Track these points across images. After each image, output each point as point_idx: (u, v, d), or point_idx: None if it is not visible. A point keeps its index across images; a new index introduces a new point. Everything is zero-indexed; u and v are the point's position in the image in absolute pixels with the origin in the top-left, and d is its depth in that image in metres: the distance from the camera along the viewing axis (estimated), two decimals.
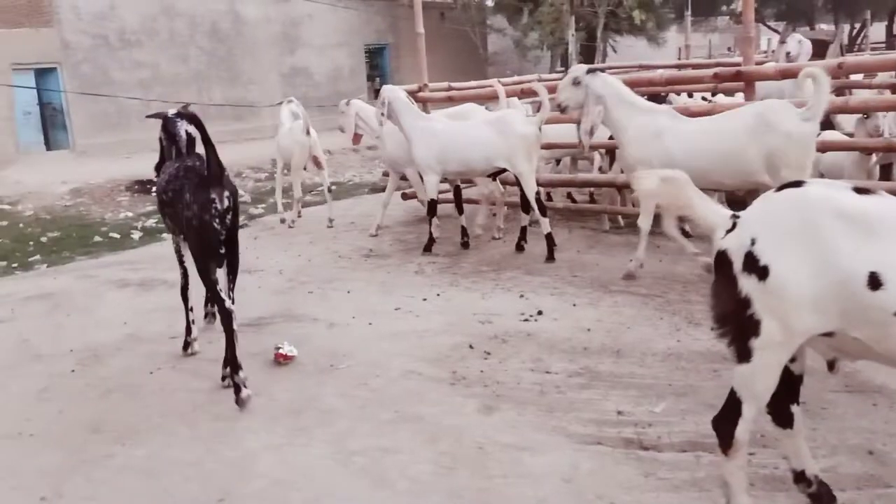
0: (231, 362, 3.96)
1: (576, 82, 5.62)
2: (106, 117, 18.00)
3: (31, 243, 9.08)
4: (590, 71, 5.70)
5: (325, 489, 3.14)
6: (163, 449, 3.55)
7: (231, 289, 4.16)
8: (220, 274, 4.08)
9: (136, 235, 9.35)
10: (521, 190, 6.51)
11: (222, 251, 4.01)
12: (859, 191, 2.38)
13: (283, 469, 3.31)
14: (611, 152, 7.01)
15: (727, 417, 2.57)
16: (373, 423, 3.67)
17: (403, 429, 3.59)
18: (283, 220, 8.76)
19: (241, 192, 11.78)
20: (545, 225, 6.35)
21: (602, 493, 2.99)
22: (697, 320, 4.79)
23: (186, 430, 3.71)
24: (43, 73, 17.92)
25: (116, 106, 17.51)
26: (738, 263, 2.42)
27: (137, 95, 18.01)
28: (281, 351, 4.42)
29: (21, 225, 10.48)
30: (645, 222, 5.61)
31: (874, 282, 2.22)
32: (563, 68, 11.13)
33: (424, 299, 5.54)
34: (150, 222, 10.12)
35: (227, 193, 4.00)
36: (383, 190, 8.32)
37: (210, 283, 4.02)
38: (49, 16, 17.86)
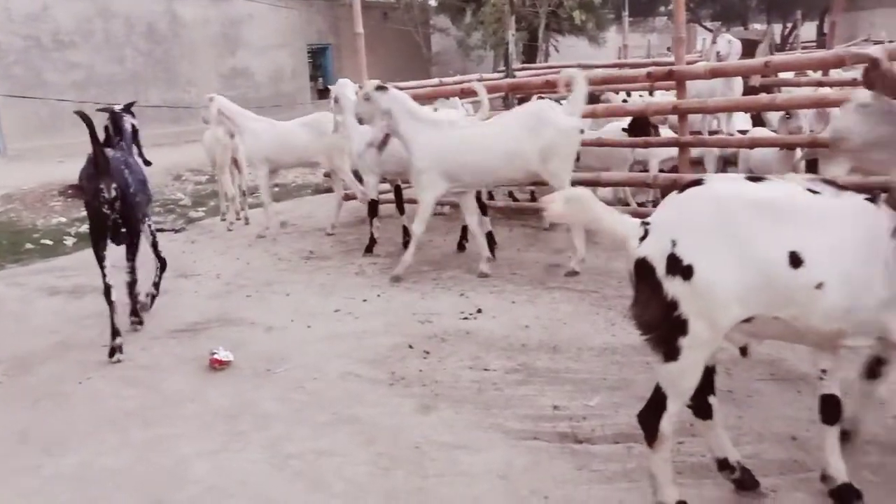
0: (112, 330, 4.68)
1: (366, 98, 5.93)
2: (38, 120, 17.42)
3: None
4: (378, 87, 5.97)
5: (260, 494, 3.10)
6: (93, 457, 3.45)
7: (132, 267, 5.06)
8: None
9: (69, 241, 9.05)
10: None
11: (121, 231, 4.80)
12: (753, 179, 2.51)
13: (218, 475, 3.26)
14: None
15: (653, 412, 2.63)
16: (309, 426, 3.64)
17: (340, 431, 3.57)
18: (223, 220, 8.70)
19: (181, 194, 11.68)
20: (486, 224, 6.39)
21: (536, 489, 3.02)
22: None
23: (117, 438, 3.62)
24: None
25: (49, 108, 16.97)
26: (660, 268, 2.45)
27: (72, 97, 17.48)
28: (216, 356, 4.34)
29: None
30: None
31: (795, 260, 2.34)
32: (503, 69, 11.19)
33: (365, 300, 5.52)
34: (85, 227, 9.82)
35: (114, 185, 4.63)
36: (327, 191, 8.29)
37: (99, 258, 4.78)
38: None
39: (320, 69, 25.25)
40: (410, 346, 4.57)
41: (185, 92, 20.65)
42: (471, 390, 3.97)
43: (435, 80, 9.73)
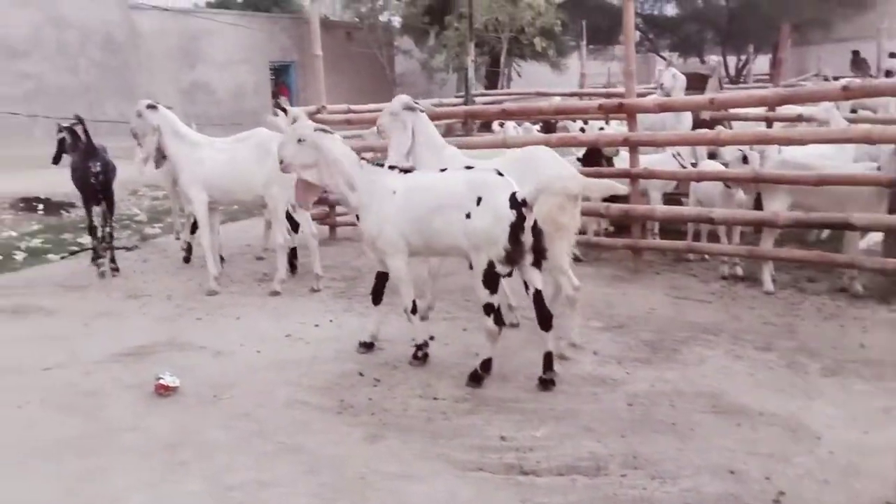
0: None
1: (139, 114, 6.45)
2: None
3: None
4: (149, 106, 6.46)
5: None
6: (20, 491, 3.34)
7: (109, 222, 7.28)
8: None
9: (19, 256, 8.81)
10: None
11: (99, 197, 7.14)
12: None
13: None
14: None
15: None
16: (253, 455, 3.60)
17: (285, 461, 3.53)
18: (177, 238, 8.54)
19: (136, 210, 11.47)
20: (292, 240, 6.77)
21: None
22: (581, 344, 4.95)
23: (49, 469, 3.50)
24: None
25: None
26: None
27: (22, 108, 17.14)
28: (162, 381, 4.26)
29: None
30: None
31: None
32: (462, 93, 11.32)
33: (317, 325, 5.49)
34: (36, 242, 9.58)
35: (99, 164, 7.03)
36: None
37: (88, 212, 7.36)
38: None
39: (285, 86, 25.16)
40: (361, 374, 4.56)
41: None
42: (419, 419, 3.97)
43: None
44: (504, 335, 5.09)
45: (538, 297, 4.38)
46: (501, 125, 10.15)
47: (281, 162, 4.71)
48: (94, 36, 19.84)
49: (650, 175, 6.62)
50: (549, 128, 10.67)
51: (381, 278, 4.87)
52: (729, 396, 4.12)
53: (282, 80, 25.17)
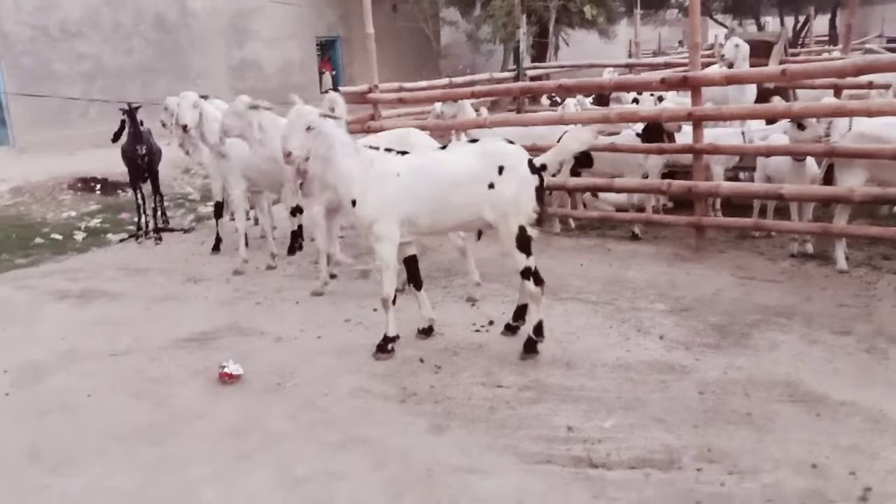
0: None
1: (237, 113, 6.02)
2: (48, 112, 17.36)
3: None
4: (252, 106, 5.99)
5: None
6: (101, 478, 3.41)
7: (157, 200, 8.45)
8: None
9: (79, 236, 9.02)
10: None
11: (145, 176, 8.13)
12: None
13: (227, 499, 3.22)
14: None
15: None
16: (320, 445, 3.59)
17: (351, 452, 3.52)
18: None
19: (190, 188, 11.62)
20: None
21: None
22: (646, 328, 4.83)
23: (126, 458, 3.57)
24: None
25: (59, 100, 16.93)
26: None
27: (80, 88, 17.47)
28: (226, 370, 4.29)
29: None
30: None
31: None
32: (514, 66, 11.06)
33: (375, 310, 5.44)
34: (95, 222, 9.80)
35: (144, 147, 7.92)
36: None
37: (134, 189, 8.23)
38: None
39: (330, 61, 25.12)
40: (421, 360, 4.51)
41: (194, 84, 20.51)
42: (483, 408, 3.91)
43: (444, 80, 9.61)
44: (569, 319, 5.04)
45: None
46: (552, 100, 9.91)
47: (288, 155, 4.28)
48: (147, 16, 20.03)
49: (715, 150, 6.37)
50: (602, 100, 10.40)
51: (411, 262, 4.83)
52: (806, 385, 3.95)
53: (327, 55, 25.14)
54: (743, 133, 6.79)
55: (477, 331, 4.94)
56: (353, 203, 4.40)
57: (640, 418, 3.72)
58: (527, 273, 4.40)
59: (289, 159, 4.29)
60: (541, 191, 4.36)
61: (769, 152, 6.04)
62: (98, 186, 12.11)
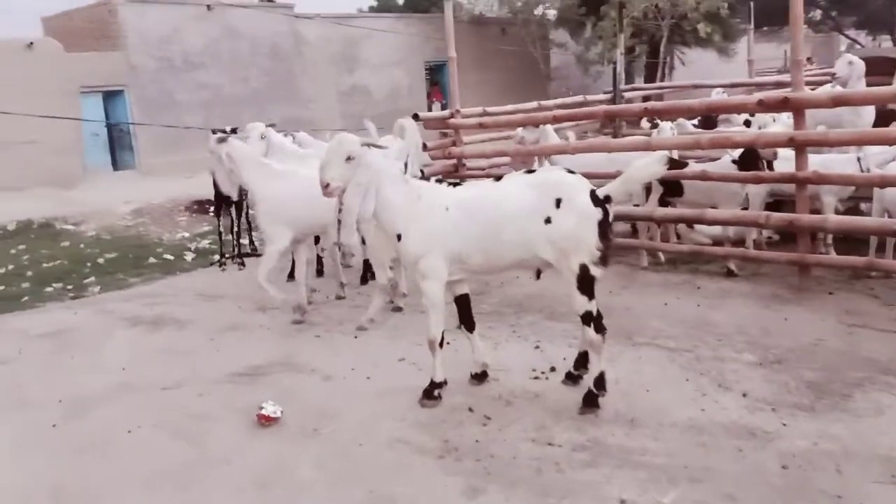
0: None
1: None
2: (169, 137, 18.34)
3: (89, 264, 9.18)
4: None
5: None
6: None
7: (240, 226, 8.54)
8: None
9: (188, 257, 9.38)
10: None
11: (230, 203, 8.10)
12: None
13: None
14: (647, 186, 6.46)
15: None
16: (342, 503, 3.32)
17: None
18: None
19: None
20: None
21: None
22: (728, 383, 4.27)
23: (146, 501, 3.44)
24: (110, 95, 18.50)
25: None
26: None
27: (200, 116, 18.36)
28: (263, 412, 4.11)
29: (81, 245, 10.65)
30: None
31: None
32: (611, 89, 10.58)
33: None
34: (205, 243, 10.16)
35: None
36: None
37: (218, 222, 8.59)
38: (116, 40, 18.44)
39: (438, 85, 25.32)
40: (471, 410, 4.17)
41: (305, 109, 21.25)
42: (528, 469, 3.53)
43: (532, 104, 9.26)
44: (641, 367, 4.56)
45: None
46: (652, 122, 9.37)
47: (326, 186, 4.02)
48: (262, 46, 20.91)
49: (820, 180, 5.66)
50: (708, 123, 9.72)
51: (462, 301, 4.46)
52: None
53: (436, 80, 25.33)
54: (859, 159, 6.04)
55: (536, 378, 4.55)
56: (399, 237, 4.14)
57: (706, 494, 3.23)
58: (587, 318, 4.00)
59: (327, 190, 4.05)
60: (605, 225, 3.92)
61: (883, 182, 5.31)
62: (211, 208, 12.64)
